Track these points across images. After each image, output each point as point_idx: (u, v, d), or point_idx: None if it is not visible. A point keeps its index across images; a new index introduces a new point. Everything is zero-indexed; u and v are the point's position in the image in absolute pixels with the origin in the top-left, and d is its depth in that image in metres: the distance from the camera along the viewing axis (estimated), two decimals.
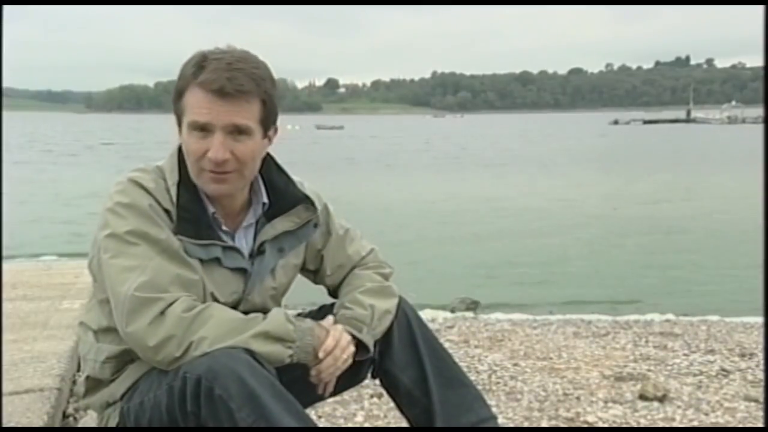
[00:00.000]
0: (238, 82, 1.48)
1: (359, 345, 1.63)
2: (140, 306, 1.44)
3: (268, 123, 1.58)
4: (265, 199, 1.68)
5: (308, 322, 1.57)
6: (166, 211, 1.54)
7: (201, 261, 1.56)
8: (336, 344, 1.57)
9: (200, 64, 1.50)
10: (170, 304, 1.45)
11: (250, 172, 1.60)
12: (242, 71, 1.49)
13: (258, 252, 1.66)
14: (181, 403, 1.42)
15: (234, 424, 1.36)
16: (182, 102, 1.54)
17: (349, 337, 1.61)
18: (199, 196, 1.59)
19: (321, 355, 1.55)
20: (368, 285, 1.75)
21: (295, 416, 1.40)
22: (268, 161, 1.70)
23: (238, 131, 1.51)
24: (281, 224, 1.69)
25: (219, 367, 1.38)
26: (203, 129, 1.51)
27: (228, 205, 1.64)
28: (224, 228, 1.63)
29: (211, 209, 1.60)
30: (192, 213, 1.56)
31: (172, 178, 1.57)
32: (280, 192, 1.70)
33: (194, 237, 1.55)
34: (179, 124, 1.57)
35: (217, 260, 1.58)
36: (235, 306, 1.62)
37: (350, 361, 1.61)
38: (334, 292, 1.84)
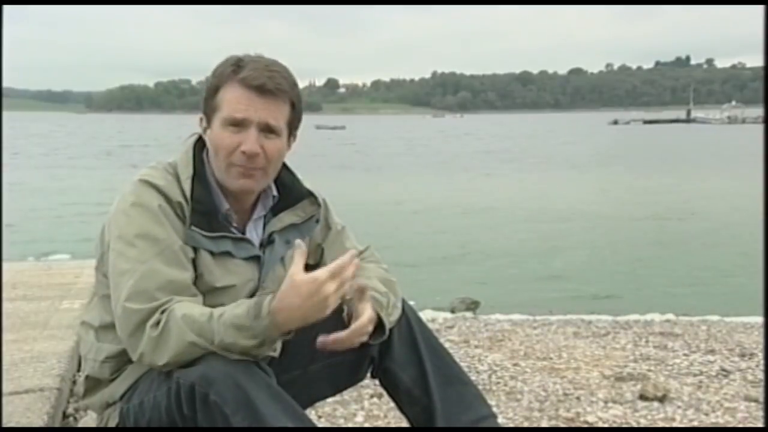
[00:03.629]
0: (277, 81, 1.55)
1: (377, 328, 1.59)
2: (126, 318, 1.47)
3: (292, 127, 1.64)
4: (275, 193, 1.72)
5: (265, 305, 1.41)
6: (178, 204, 1.56)
7: (213, 254, 1.58)
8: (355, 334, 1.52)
9: (238, 63, 1.56)
10: (149, 317, 1.45)
11: (273, 171, 1.65)
12: (279, 73, 1.57)
13: (268, 241, 1.69)
14: (178, 406, 1.43)
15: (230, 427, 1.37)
16: (217, 97, 1.58)
17: (371, 328, 1.55)
18: (213, 191, 1.62)
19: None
20: (376, 274, 1.76)
21: (292, 417, 1.40)
22: None
23: (269, 129, 1.57)
24: (288, 217, 1.72)
25: (213, 373, 1.38)
26: (238, 124, 1.55)
27: (241, 201, 1.66)
28: (235, 224, 1.65)
29: (225, 205, 1.63)
30: (205, 205, 1.59)
31: (187, 172, 1.60)
32: (287, 187, 1.74)
33: (207, 229, 1.57)
34: (208, 120, 1.60)
35: (228, 253, 1.60)
36: (251, 295, 1.63)
37: (371, 328, 1.55)
38: None
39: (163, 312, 1.45)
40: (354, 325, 1.51)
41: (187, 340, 1.41)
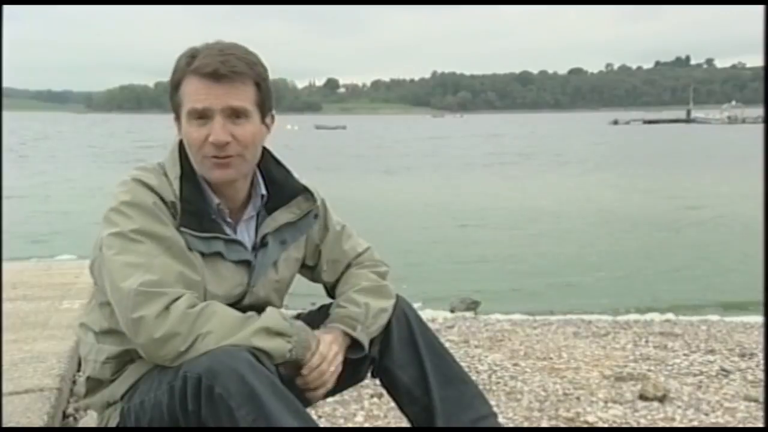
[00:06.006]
0: (231, 64, 1.51)
1: (354, 343, 1.64)
2: (145, 300, 1.43)
3: (264, 107, 1.60)
4: (264, 191, 1.69)
5: (300, 322, 1.59)
6: (171, 204, 1.54)
7: (203, 254, 1.57)
8: (323, 360, 1.58)
9: (192, 54, 1.53)
10: (174, 300, 1.45)
11: (252, 156, 1.61)
12: (234, 55, 1.53)
13: (261, 244, 1.67)
14: (182, 402, 1.42)
15: (234, 423, 1.36)
16: (179, 93, 1.55)
17: (336, 349, 1.61)
18: (202, 189, 1.60)
19: (305, 371, 1.55)
20: (364, 284, 1.76)
21: (295, 415, 1.39)
22: (266, 154, 1.71)
23: (236, 114, 1.53)
24: (282, 216, 1.70)
25: (219, 366, 1.38)
26: (202, 115, 1.52)
27: (231, 196, 1.64)
28: (228, 219, 1.63)
29: (215, 200, 1.61)
30: (195, 205, 1.57)
31: (174, 172, 1.58)
32: (279, 184, 1.71)
33: (198, 230, 1.56)
34: (177, 117, 1.58)
35: (219, 254, 1.59)
36: (240, 299, 1.63)
37: (338, 371, 1.61)
38: (331, 290, 1.85)
39: (180, 298, 1.45)
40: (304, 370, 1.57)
41: (229, 320, 1.46)
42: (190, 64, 1.52)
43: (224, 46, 1.54)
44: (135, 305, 1.43)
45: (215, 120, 1.51)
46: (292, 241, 1.73)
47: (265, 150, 1.69)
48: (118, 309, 1.48)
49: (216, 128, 1.51)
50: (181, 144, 1.61)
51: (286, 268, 1.74)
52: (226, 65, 1.50)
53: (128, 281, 1.45)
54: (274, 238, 1.68)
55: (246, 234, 1.68)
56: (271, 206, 1.70)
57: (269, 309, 1.55)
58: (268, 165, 1.71)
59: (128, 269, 1.46)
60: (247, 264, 1.64)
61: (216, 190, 1.61)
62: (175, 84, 1.55)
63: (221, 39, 1.58)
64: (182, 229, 1.54)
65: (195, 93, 1.52)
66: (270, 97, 1.61)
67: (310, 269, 1.85)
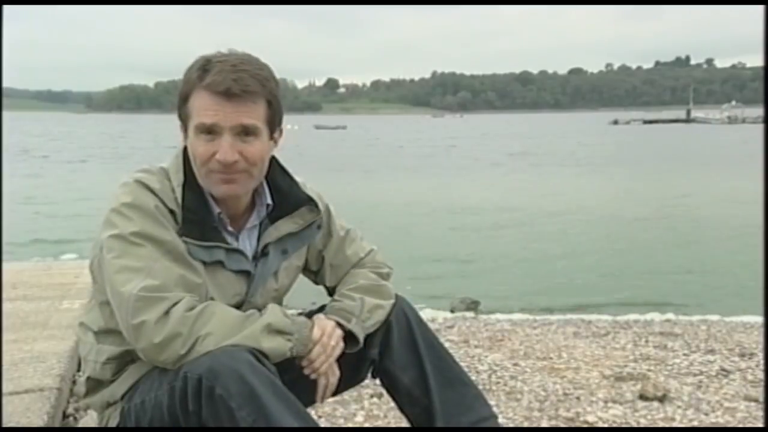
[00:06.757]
0: (244, 83, 1.48)
1: (349, 336, 1.63)
2: (145, 305, 1.43)
3: (273, 124, 1.58)
4: (270, 201, 1.68)
5: (302, 318, 1.59)
6: (171, 212, 1.54)
7: (204, 263, 1.56)
8: (323, 332, 1.58)
9: (204, 67, 1.50)
10: (174, 304, 1.44)
11: (259, 173, 1.60)
12: (247, 72, 1.50)
13: (261, 254, 1.66)
14: (182, 402, 1.42)
15: (235, 423, 1.37)
16: (187, 106, 1.54)
17: (333, 323, 1.61)
18: (205, 198, 1.59)
19: (308, 345, 1.55)
20: (361, 282, 1.76)
21: (295, 415, 1.39)
22: (273, 163, 1.69)
23: (245, 132, 1.51)
24: (285, 226, 1.69)
25: (220, 367, 1.38)
26: (211, 131, 1.51)
27: (233, 206, 1.63)
28: (229, 228, 1.63)
29: (216, 209, 1.60)
30: (197, 214, 1.56)
31: (177, 180, 1.57)
32: (283, 193, 1.70)
33: (199, 239, 1.55)
34: (185, 128, 1.57)
35: (220, 263, 1.58)
36: (237, 308, 1.61)
37: (340, 349, 1.60)
38: (332, 293, 1.84)
39: (180, 302, 1.45)
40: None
41: (229, 320, 1.46)
42: (202, 78, 1.49)
43: (237, 61, 1.51)
44: (135, 310, 1.43)
45: (224, 138, 1.50)
46: (293, 251, 1.73)
47: (271, 158, 1.67)
48: (119, 314, 1.47)
49: (224, 147, 1.50)
50: (185, 151, 1.60)
51: (286, 276, 1.75)
52: (239, 83, 1.47)
53: (128, 286, 1.44)
54: (275, 247, 1.68)
55: (248, 243, 1.67)
56: (274, 215, 1.69)
57: (271, 306, 1.55)
58: (274, 174, 1.70)
59: (128, 273, 1.45)
60: (246, 274, 1.64)
61: (217, 200, 1.60)
62: (185, 96, 1.53)
63: (232, 47, 1.55)
64: (184, 238, 1.53)
65: (205, 108, 1.50)
66: (280, 112, 1.59)
67: (313, 273, 1.86)
